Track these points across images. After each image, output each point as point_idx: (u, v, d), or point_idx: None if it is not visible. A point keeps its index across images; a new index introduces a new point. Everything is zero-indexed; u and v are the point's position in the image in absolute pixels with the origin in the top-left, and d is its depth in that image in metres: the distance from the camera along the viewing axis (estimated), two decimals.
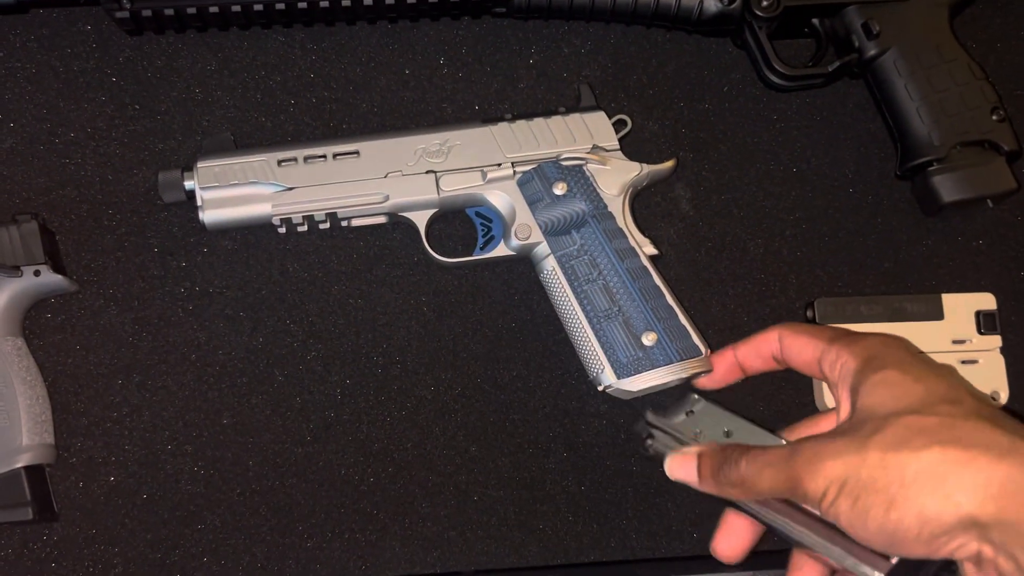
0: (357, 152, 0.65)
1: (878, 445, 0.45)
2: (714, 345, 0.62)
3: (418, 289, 0.68)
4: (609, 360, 0.62)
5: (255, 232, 0.68)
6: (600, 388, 0.62)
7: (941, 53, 0.68)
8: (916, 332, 0.67)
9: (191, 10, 0.65)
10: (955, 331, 0.68)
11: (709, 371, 0.61)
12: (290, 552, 0.65)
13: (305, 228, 0.65)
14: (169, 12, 0.65)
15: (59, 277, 0.64)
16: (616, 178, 0.65)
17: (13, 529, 0.63)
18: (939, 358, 0.65)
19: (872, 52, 0.68)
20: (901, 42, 0.68)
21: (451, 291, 0.68)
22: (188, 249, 0.68)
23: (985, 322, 0.68)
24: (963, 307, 0.68)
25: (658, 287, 0.63)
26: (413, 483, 0.66)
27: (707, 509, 0.59)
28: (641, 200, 0.69)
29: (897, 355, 0.50)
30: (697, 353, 0.62)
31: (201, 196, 0.64)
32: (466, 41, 0.71)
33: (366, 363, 0.67)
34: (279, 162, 0.64)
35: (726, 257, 0.70)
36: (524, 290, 0.69)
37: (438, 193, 0.65)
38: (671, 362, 0.61)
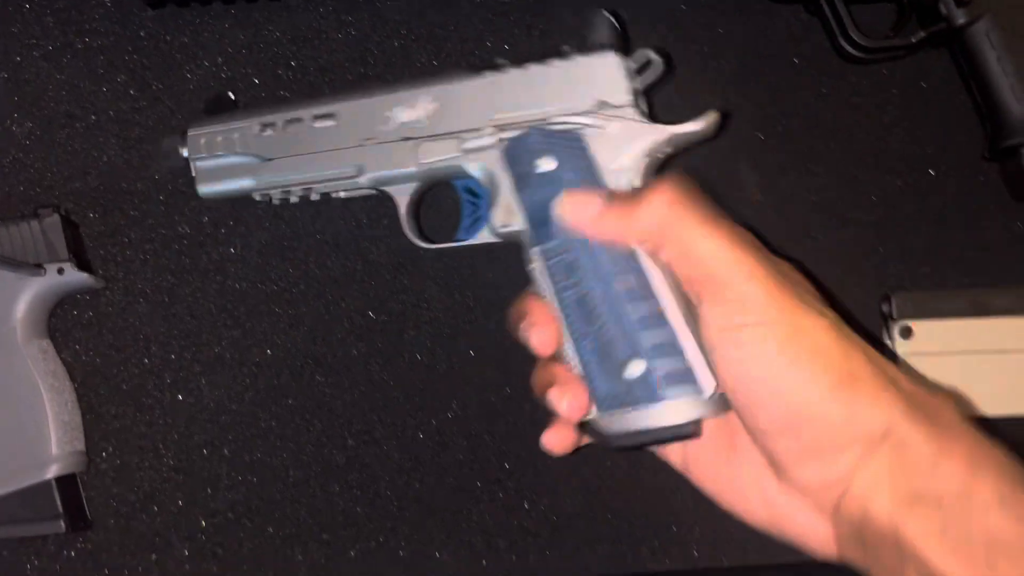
0: (333, 116, 0.55)
1: None
2: None
3: (464, 283, 0.64)
4: (589, 385, 0.48)
5: (290, 223, 0.63)
6: (583, 422, 0.49)
7: None
8: (1003, 328, 0.62)
9: None
10: None
11: (708, 416, 0.46)
12: (332, 561, 0.62)
13: (295, 201, 0.58)
14: None
15: (84, 274, 0.60)
16: (621, 147, 0.50)
17: (47, 537, 0.61)
18: None
19: (961, 21, 0.62)
20: (995, 10, 0.62)
21: (501, 284, 0.64)
22: (220, 241, 0.64)
23: None
24: None
25: (655, 296, 0.47)
26: (460, 489, 0.63)
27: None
28: (699, 181, 0.64)
29: None
30: (696, 392, 0.46)
31: (194, 166, 0.58)
32: (513, 9, 0.66)
33: (411, 362, 0.63)
34: (261, 128, 0.56)
35: (796, 247, 0.64)
36: None
37: (417, 164, 0.54)
38: (655, 401, 0.46)
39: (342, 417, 0.63)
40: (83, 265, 0.61)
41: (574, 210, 0.48)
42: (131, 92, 0.64)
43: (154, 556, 0.62)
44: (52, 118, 0.64)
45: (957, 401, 0.43)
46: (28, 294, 0.59)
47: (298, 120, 0.56)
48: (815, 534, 0.45)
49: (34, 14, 0.64)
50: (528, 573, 0.62)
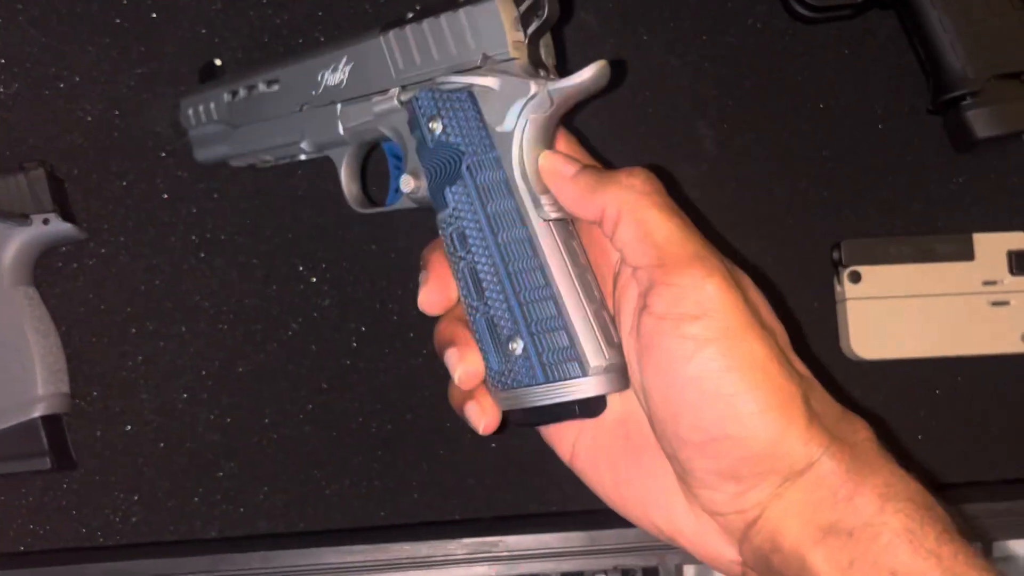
0: (278, 81, 0.55)
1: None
2: None
3: (433, 232, 0.66)
4: (486, 362, 0.47)
5: (265, 176, 0.66)
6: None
7: None
8: (946, 273, 0.65)
9: None
10: (986, 272, 0.66)
11: (594, 397, 0.45)
12: (308, 500, 0.65)
13: (268, 165, 0.60)
14: None
15: (68, 225, 0.63)
16: (506, 105, 0.46)
17: (33, 477, 0.63)
18: (970, 299, 0.65)
19: None
20: None
21: None
22: (198, 195, 0.66)
23: (1018, 262, 0.66)
24: (995, 247, 0.66)
25: (543, 270, 0.45)
26: (431, 430, 0.65)
27: None
28: (658, 138, 0.67)
29: None
30: (575, 375, 0.44)
31: (190, 135, 0.62)
32: None
33: (381, 309, 0.66)
34: (229, 96, 0.57)
35: (750, 198, 0.67)
36: None
37: (343, 129, 0.53)
38: (533, 383, 0.45)
39: (316, 362, 0.66)
40: (67, 216, 0.63)
41: (549, 169, 0.46)
42: (113, 54, 0.67)
43: (136, 496, 0.64)
44: (37, 79, 0.67)
45: (872, 429, 0.43)
46: (15, 243, 0.62)
47: (254, 87, 0.57)
48: (719, 556, 0.44)
49: None
50: (495, 509, 0.65)
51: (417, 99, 0.49)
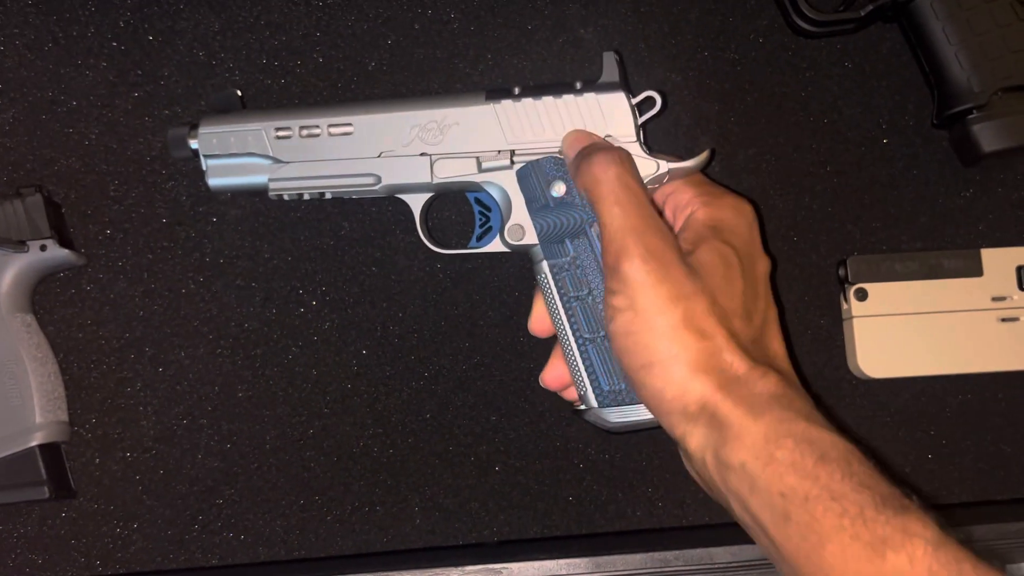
0: (351, 126, 0.59)
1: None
2: None
3: (434, 255, 0.66)
4: (591, 383, 0.55)
5: (264, 199, 0.65)
6: (577, 409, 0.57)
7: None
8: (954, 289, 0.64)
9: None
10: (995, 287, 0.65)
11: None
12: (309, 526, 0.64)
13: (308, 199, 0.61)
14: None
15: (66, 251, 0.62)
16: None
17: (32, 506, 0.63)
18: (978, 316, 0.64)
19: None
20: None
21: (468, 258, 0.66)
22: (197, 219, 0.66)
23: None
24: (1003, 262, 0.65)
25: None
26: (433, 454, 0.65)
27: None
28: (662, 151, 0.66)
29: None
30: None
31: (204, 162, 0.61)
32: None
33: (382, 333, 0.65)
34: (276, 132, 0.60)
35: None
36: None
37: (432, 178, 0.59)
38: None
39: (317, 386, 0.65)
40: (65, 242, 0.63)
41: (571, 141, 0.56)
42: (110, 78, 0.67)
43: (135, 524, 0.64)
44: (35, 104, 0.66)
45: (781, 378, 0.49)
46: (12, 270, 0.61)
47: (314, 127, 0.59)
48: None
49: (17, 5, 0.67)
50: (499, 533, 0.64)
51: (540, 163, 0.57)
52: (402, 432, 0.65)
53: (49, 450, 0.61)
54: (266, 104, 0.67)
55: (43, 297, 0.65)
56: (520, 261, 0.66)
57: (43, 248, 0.62)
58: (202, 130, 0.60)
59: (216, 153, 0.60)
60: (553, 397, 0.65)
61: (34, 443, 0.60)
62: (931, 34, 0.64)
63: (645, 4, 0.68)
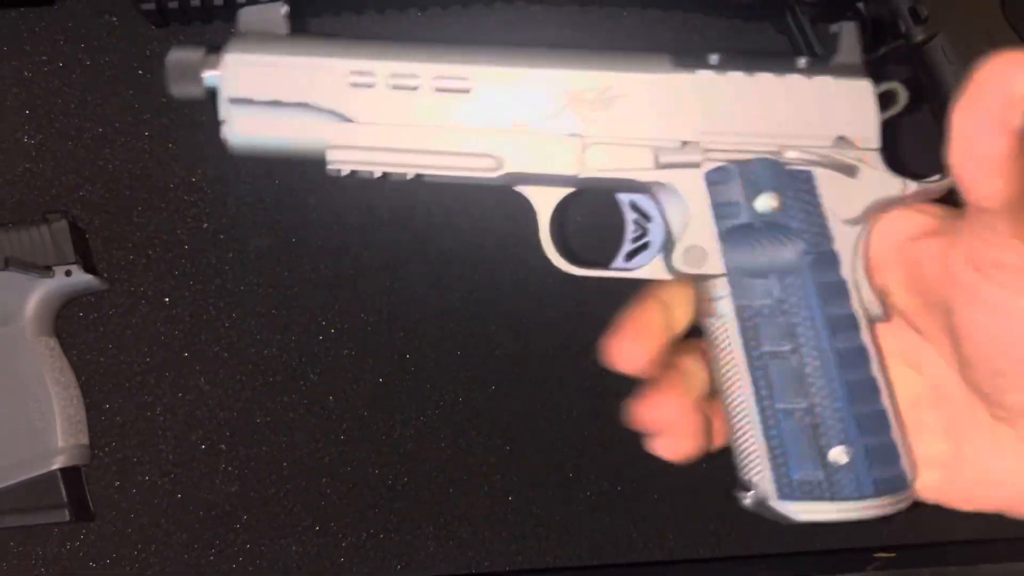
0: (467, 80, 0.41)
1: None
2: None
3: (452, 285, 0.67)
4: (774, 467, 0.42)
5: (285, 227, 0.66)
6: (744, 497, 0.44)
7: (992, 38, 0.65)
8: None
9: (218, 1, 0.64)
10: None
11: (904, 510, 0.44)
12: (325, 552, 0.65)
13: (377, 176, 0.44)
14: (196, 3, 0.64)
15: (90, 276, 0.63)
16: (862, 197, 0.42)
17: (51, 529, 0.63)
18: None
19: (920, 37, 0.66)
20: (949, 27, 0.65)
21: (485, 286, 0.67)
22: (218, 246, 0.67)
23: None
24: None
25: (874, 380, 0.42)
26: (447, 483, 0.65)
27: (747, 514, 0.58)
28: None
29: None
30: (901, 487, 0.42)
31: (227, 106, 0.43)
32: None
33: (399, 361, 0.66)
34: (351, 76, 0.41)
35: None
36: (561, 281, 0.67)
37: (580, 170, 0.42)
38: (861, 497, 0.42)
39: (334, 414, 0.66)
40: (89, 268, 0.64)
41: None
42: (136, 105, 0.68)
43: (153, 547, 0.64)
44: (61, 130, 0.67)
45: None
46: (37, 294, 0.62)
47: (410, 77, 0.42)
48: None
49: (46, 33, 0.68)
50: (511, 563, 0.65)
51: (749, 165, 0.42)
52: (417, 460, 0.66)
53: (70, 473, 0.62)
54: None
55: (66, 321, 0.66)
56: (537, 289, 0.67)
57: (68, 273, 0.63)
58: (228, 57, 0.42)
59: (246, 97, 0.43)
60: (567, 426, 0.66)
61: (56, 466, 0.61)
62: (943, 77, 0.66)
63: (654, 37, 0.67)
